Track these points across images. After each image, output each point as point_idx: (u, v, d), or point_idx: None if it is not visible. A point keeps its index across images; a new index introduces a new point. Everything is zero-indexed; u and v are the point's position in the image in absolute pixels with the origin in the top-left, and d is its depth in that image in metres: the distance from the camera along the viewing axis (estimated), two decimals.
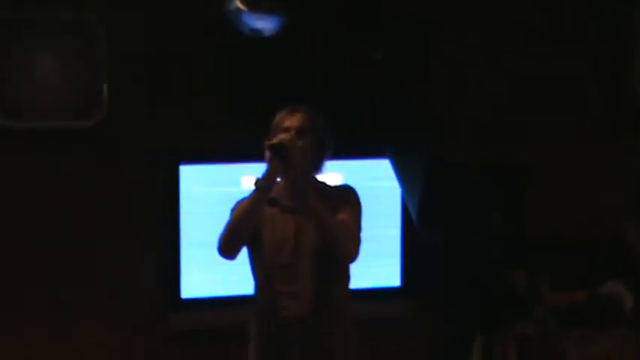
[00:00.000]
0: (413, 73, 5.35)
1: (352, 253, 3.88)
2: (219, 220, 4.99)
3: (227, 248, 3.85)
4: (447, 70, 5.47)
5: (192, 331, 5.23)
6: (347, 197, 3.97)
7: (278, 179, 3.88)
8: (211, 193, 5.15)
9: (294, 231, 3.90)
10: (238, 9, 4.86)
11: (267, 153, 3.80)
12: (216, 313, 5.20)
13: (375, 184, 5.26)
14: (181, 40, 5.21)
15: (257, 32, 4.96)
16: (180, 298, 5.17)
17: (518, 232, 5.44)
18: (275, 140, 3.79)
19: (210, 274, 5.10)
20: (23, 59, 4.94)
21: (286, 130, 3.88)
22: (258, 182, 3.78)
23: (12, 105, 4.94)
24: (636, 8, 5.63)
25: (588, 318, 5.39)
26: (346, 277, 3.98)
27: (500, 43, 5.58)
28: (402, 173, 5.24)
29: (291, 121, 3.90)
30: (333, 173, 5.02)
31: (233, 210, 3.95)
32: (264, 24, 4.90)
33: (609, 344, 5.32)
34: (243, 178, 5.17)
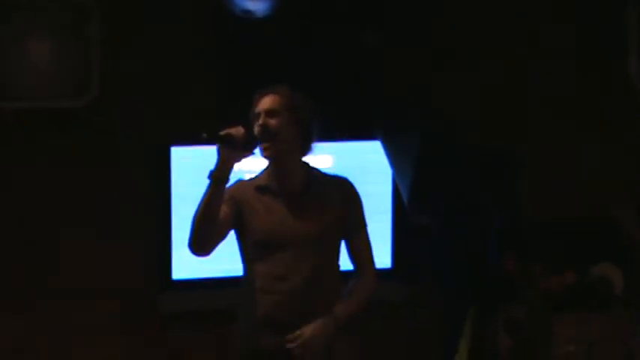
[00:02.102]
0: (408, 55, 5.35)
1: (375, 278, 4.00)
2: None
3: (196, 245, 3.79)
4: (442, 52, 5.47)
5: (183, 311, 5.24)
6: (353, 205, 3.95)
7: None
8: (203, 174, 5.13)
9: (285, 216, 3.88)
10: None
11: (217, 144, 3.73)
12: (207, 293, 5.22)
13: (366, 166, 5.26)
14: (173, 21, 5.20)
15: (249, 13, 4.95)
16: (172, 279, 5.18)
17: (511, 216, 5.44)
18: (221, 133, 3.74)
19: None
20: (15, 39, 4.93)
21: (257, 115, 3.84)
22: (211, 174, 3.73)
23: (3, 85, 4.93)
24: None
25: (579, 300, 5.40)
26: (336, 260, 3.98)
27: (499, 29, 5.58)
28: (394, 155, 5.24)
29: (261, 104, 3.85)
30: (323, 155, 5.04)
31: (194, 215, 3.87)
32: (256, 5, 4.89)
33: (599, 326, 5.34)
34: None
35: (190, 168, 5.13)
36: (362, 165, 5.24)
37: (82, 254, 5.17)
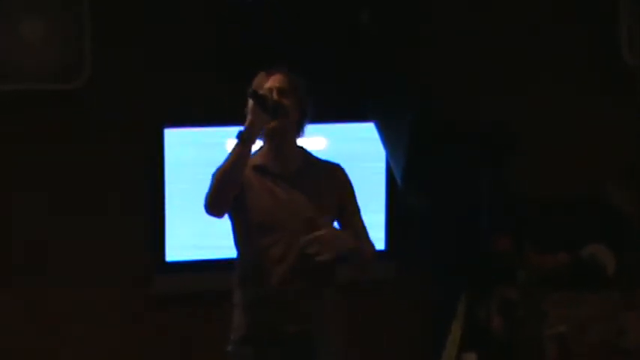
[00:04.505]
0: (400, 35, 5.33)
1: (374, 254, 4.04)
2: (203, 184, 5.03)
3: (214, 204, 3.81)
4: (435, 31, 5.45)
5: (176, 293, 5.24)
6: (347, 192, 3.98)
7: (260, 143, 3.87)
8: (196, 156, 5.14)
9: (284, 196, 3.88)
10: None
11: (249, 103, 3.76)
12: (200, 276, 5.22)
13: (359, 147, 5.26)
14: (167, 2, 5.18)
15: None
16: (165, 261, 5.18)
17: (505, 196, 5.45)
18: (259, 91, 3.79)
19: (195, 237, 5.11)
20: (7, 21, 4.90)
21: (268, 91, 3.84)
22: (240, 134, 3.75)
23: None
24: None
25: (571, 281, 5.42)
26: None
27: (491, 6, 5.57)
28: (387, 136, 5.24)
29: (273, 81, 3.87)
30: (317, 137, 5.03)
31: (214, 174, 3.87)
32: None
33: (591, 307, 5.35)
34: (228, 141, 5.17)
35: (184, 150, 5.13)
36: (355, 147, 5.24)
37: (77, 235, 5.15)
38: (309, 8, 5.11)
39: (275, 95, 3.83)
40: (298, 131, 3.93)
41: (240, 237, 3.95)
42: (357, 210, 4.01)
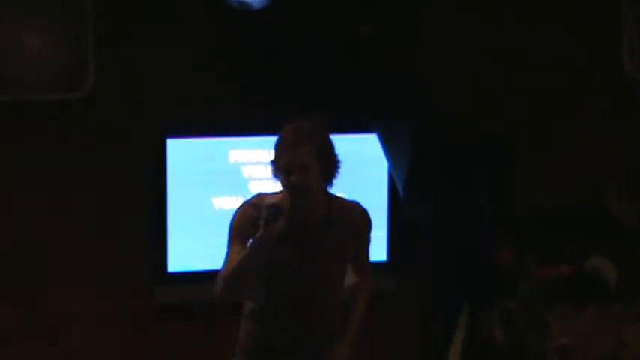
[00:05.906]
0: (402, 46, 5.34)
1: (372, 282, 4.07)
2: (206, 195, 5.05)
3: (225, 294, 3.78)
4: (435, 31, 5.46)
5: (178, 304, 5.24)
6: (366, 233, 3.96)
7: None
8: (198, 167, 5.15)
9: (301, 253, 3.82)
10: None
11: (264, 213, 3.64)
12: (202, 286, 5.20)
13: (362, 159, 5.27)
14: (169, 12, 5.19)
15: (245, 5, 4.94)
16: (167, 272, 5.19)
17: (506, 208, 5.45)
18: (267, 214, 3.64)
19: (197, 247, 5.12)
20: (10, 30, 4.92)
21: (287, 171, 3.69)
22: (255, 243, 3.65)
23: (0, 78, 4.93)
24: None
25: (572, 293, 5.41)
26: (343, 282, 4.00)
27: (492, 17, 5.58)
28: (390, 149, 5.25)
29: (291, 157, 3.68)
30: None
31: (235, 215, 3.81)
32: None
33: (593, 319, 5.35)
34: (231, 152, 5.18)
35: (186, 160, 5.13)
36: (358, 158, 5.24)
37: (79, 245, 5.16)
38: (309, 8, 5.12)
39: (295, 178, 3.68)
40: (324, 182, 3.81)
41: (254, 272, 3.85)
42: (368, 245, 3.99)
